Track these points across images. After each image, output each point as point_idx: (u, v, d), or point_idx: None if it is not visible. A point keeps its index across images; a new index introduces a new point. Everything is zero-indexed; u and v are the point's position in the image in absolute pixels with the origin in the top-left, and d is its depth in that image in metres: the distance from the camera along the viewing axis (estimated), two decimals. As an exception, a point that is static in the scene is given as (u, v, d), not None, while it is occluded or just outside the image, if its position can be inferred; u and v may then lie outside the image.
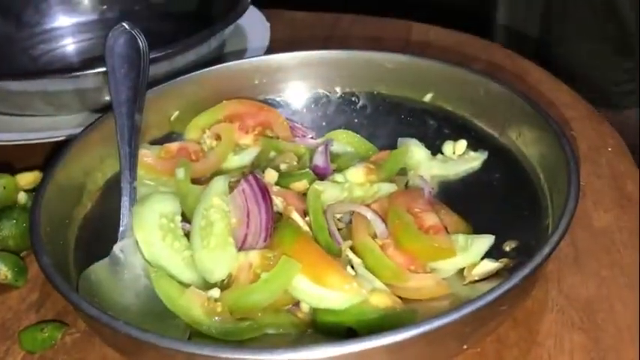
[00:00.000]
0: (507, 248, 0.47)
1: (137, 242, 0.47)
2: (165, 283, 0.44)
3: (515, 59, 0.78)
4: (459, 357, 0.42)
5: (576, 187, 0.43)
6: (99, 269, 0.46)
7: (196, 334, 0.42)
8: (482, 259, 0.46)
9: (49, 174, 0.48)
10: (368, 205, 0.49)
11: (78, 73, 0.63)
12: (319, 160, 0.54)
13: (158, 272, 0.44)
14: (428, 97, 0.60)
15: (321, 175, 0.53)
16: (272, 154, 0.56)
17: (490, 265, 0.45)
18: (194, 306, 0.42)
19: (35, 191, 0.48)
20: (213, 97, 0.60)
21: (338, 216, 0.50)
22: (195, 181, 0.53)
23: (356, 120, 0.61)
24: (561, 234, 0.40)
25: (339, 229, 0.48)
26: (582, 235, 0.52)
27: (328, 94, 0.62)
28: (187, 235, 0.48)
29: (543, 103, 0.66)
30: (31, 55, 0.84)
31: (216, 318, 0.42)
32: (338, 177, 0.51)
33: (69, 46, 0.87)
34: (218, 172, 0.55)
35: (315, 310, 0.43)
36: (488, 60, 0.77)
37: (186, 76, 0.59)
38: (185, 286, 0.44)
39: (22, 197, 0.55)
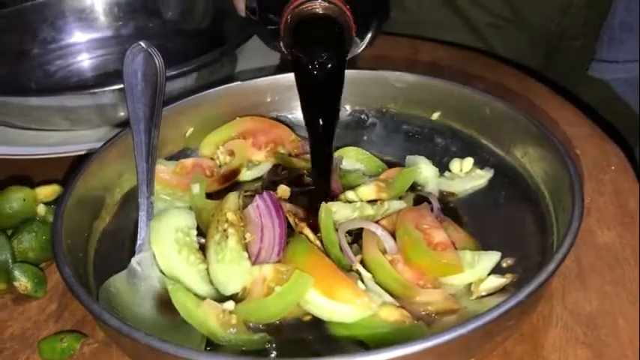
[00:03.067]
0: (513, 264, 0.48)
1: (154, 255, 0.48)
2: (181, 295, 0.45)
3: (521, 78, 0.80)
4: (466, 370, 0.43)
5: (580, 205, 0.44)
6: (117, 281, 0.47)
7: (211, 345, 0.43)
8: (489, 274, 0.47)
9: (69, 188, 0.50)
10: (377, 222, 0.50)
11: (96, 90, 0.65)
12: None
13: (175, 285, 0.46)
14: (435, 116, 0.61)
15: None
16: (284, 170, 0.58)
17: (497, 281, 0.46)
18: (209, 318, 0.44)
19: (55, 204, 0.49)
20: (227, 114, 0.61)
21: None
22: (209, 196, 0.54)
23: (365, 137, 0.63)
24: (566, 251, 0.41)
25: (349, 244, 0.49)
26: (586, 252, 0.53)
27: (338, 111, 0.64)
28: (202, 248, 0.49)
29: (548, 121, 0.68)
30: (47, 71, 0.86)
31: (231, 330, 0.43)
32: (350, 195, 0.52)
33: (84, 61, 0.89)
34: (232, 188, 0.57)
35: (326, 323, 0.44)
36: (493, 79, 0.78)
37: (201, 93, 0.61)
38: (200, 298, 0.46)
39: (41, 209, 0.57)
